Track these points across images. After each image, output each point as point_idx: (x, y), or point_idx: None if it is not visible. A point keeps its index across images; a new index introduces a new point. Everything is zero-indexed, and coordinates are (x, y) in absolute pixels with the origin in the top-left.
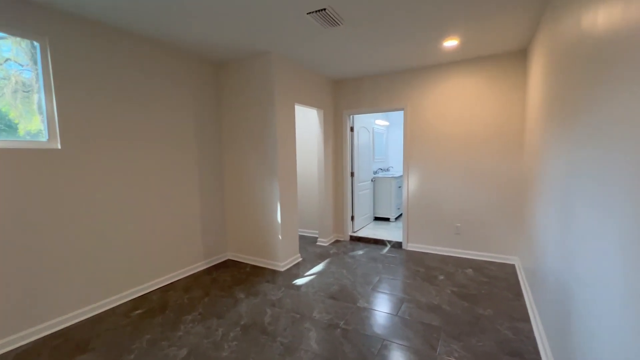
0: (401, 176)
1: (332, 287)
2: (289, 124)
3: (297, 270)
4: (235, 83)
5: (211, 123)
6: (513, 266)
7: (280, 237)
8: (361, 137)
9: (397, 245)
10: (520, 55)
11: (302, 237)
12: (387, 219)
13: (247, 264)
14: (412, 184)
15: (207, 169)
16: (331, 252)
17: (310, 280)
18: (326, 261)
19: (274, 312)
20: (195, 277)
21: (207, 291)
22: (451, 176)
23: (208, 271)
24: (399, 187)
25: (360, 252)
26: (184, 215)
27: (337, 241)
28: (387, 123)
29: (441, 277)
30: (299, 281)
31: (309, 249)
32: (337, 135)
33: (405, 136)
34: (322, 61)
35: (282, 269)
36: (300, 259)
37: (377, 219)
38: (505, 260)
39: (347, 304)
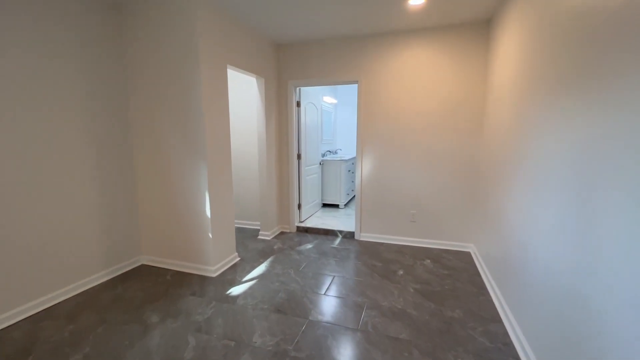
0: (351, 159)
1: (278, 295)
2: (219, 91)
3: (233, 274)
4: (147, 35)
5: (113, 87)
6: (469, 254)
7: (210, 235)
8: (309, 115)
9: (350, 236)
10: (483, 26)
11: (240, 231)
12: (336, 206)
13: (167, 271)
14: (366, 167)
15: (108, 148)
16: (275, 247)
17: (250, 288)
18: (270, 260)
19: (200, 341)
20: (90, 295)
21: (103, 316)
22: (408, 159)
23: (111, 284)
24: (349, 171)
25: (309, 246)
26: (69, 212)
27: (282, 233)
28: (335, 101)
29: (400, 272)
30: (236, 290)
31: (250, 244)
32: (281, 111)
33: (360, 113)
34: (262, 16)
35: (214, 274)
36: (238, 259)
37: (325, 205)
38: (461, 247)
39: (296, 319)
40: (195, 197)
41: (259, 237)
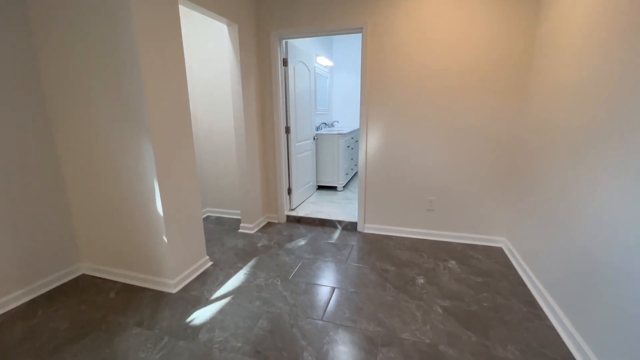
0: (351, 133)
1: (258, 323)
2: (166, 36)
3: (200, 288)
4: None
5: (8, 39)
6: (501, 251)
7: (165, 238)
8: (299, 78)
9: (351, 227)
10: None
11: (218, 222)
12: (333, 188)
13: (114, 284)
14: (372, 143)
15: (10, 125)
16: (260, 244)
17: (220, 312)
18: (251, 263)
19: None
20: None
21: None
22: (426, 132)
23: (31, 307)
24: (348, 147)
25: (302, 242)
26: None
27: (269, 225)
28: (331, 63)
29: (421, 281)
30: (200, 315)
31: (228, 241)
32: (263, 71)
33: (365, 72)
34: None
35: (174, 290)
36: (210, 264)
37: (321, 187)
38: (489, 242)
39: None
40: (139, 188)
41: (241, 230)
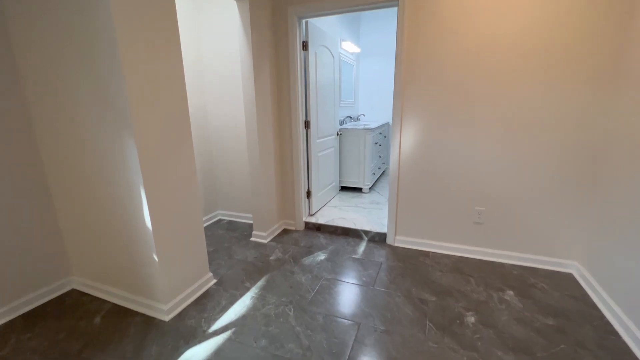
0: (379, 128)
1: None
2: (156, 27)
3: (197, 316)
4: None
5: None
6: (571, 278)
7: (155, 257)
8: (321, 65)
9: (380, 239)
10: None
11: (230, 227)
12: (358, 190)
13: (103, 304)
14: (408, 139)
15: None
16: (272, 257)
17: (217, 354)
18: (260, 284)
19: None
20: None
21: None
22: (476, 129)
23: (8, 329)
24: (376, 143)
25: (322, 257)
26: None
27: (285, 232)
28: (358, 50)
29: (471, 319)
30: (191, 358)
31: (237, 252)
32: (278, 56)
33: (400, 56)
34: None
35: (167, 317)
36: (213, 283)
37: (344, 189)
38: (556, 266)
39: None
40: (125, 198)
41: (253, 238)
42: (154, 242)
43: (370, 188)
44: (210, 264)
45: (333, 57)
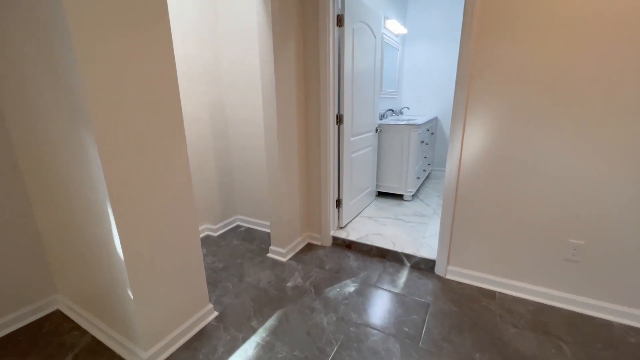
0: (427, 123)
1: None
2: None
3: None
4: None
5: None
6: None
7: (130, 292)
8: (360, 46)
9: (426, 267)
10: None
11: (248, 235)
12: (398, 197)
13: (82, 335)
14: (472, 142)
15: None
16: (290, 284)
17: None
18: (270, 324)
19: None
20: None
21: None
22: (577, 132)
23: None
24: (422, 142)
25: (351, 289)
26: None
27: (308, 247)
28: (404, 30)
29: None
30: None
31: (249, 272)
32: (306, 33)
33: (469, 27)
34: None
35: None
36: (213, 317)
37: (382, 194)
38: None
39: None
40: (93, 214)
41: (270, 254)
42: (127, 276)
43: (413, 195)
44: (215, 287)
45: (375, 37)
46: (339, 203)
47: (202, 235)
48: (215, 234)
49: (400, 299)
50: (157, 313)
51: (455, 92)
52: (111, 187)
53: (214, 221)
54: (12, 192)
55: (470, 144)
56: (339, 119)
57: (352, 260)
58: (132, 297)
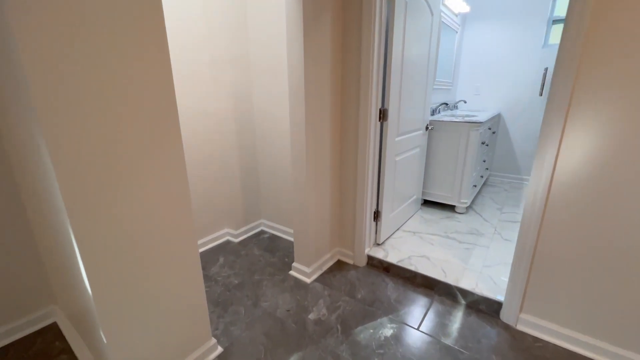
0: (490, 120)
1: None
2: None
3: None
4: None
5: None
6: None
7: (103, 334)
8: (413, 24)
9: (489, 309)
10: None
11: (271, 244)
12: (449, 207)
13: (74, 359)
14: (574, 154)
15: None
16: (311, 317)
17: None
18: None
19: None
20: None
21: None
22: None
23: None
24: (482, 143)
25: (388, 332)
26: None
27: (338, 266)
28: (466, 8)
29: None
30: None
31: (266, 293)
32: (346, 7)
33: None
34: None
35: None
36: (216, 356)
37: (428, 203)
38: None
39: None
40: (56, 231)
41: (292, 272)
42: (97, 316)
43: (468, 207)
44: (225, 311)
45: (432, 14)
46: (377, 215)
47: (221, 240)
48: (236, 240)
49: (454, 356)
50: (141, 355)
51: (553, 82)
52: (71, 203)
53: (236, 225)
54: (4, 191)
55: (571, 155)
56: (383, 115)
57: (390, 288)
58: (105, 341)
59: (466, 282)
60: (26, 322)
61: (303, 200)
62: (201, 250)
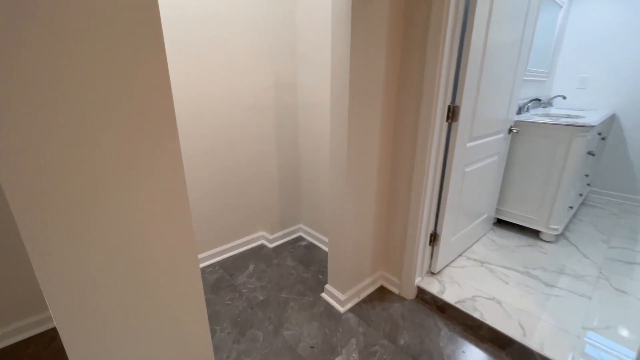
0: (602, 123)
1: None
2: None
3: None
4: None
5: None
6: None
7: None
8: (501, 6)
9: None
10: None
11: (307, 253)
12: (533, 232)
13: None
14: None
15: None
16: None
17: None
18: None
19: None
20: None
21: None
22: None
23: None
24: (588, 152)
25: None
26: None
27: (380, 294)
28: None
29: None
30: None
31: (290, 319)
32: None
33: None
34: None
35: None
36: None
37: (502, 224)
38: None
39: None
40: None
41: (324, 294)
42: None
43: (560, 235)
44: (242, 335)
45: None
46: (434, 238)
47: (256, 244)
48: (271, 245)
49: None
50: None
51: None
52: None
53: (271, 229)
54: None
55: None
56: (452, 113)
57: (443, 337)
58: None
59: (556, 350)
60: (29, 324)
61: (340, 209)
62: (233, 253)
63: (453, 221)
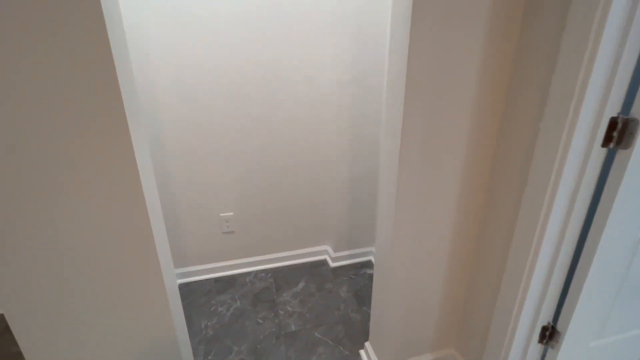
0: None
1: None
2: None
3: None
4: None
5: None
6: None
7: None
8: None
9: None
10: None
11: (370, 283)
12: None
13: None
14: None
15: None
16: None
17: None
18: None
19: None
20: None
21: None
22: None
23: None
24: None
25: None
26: None
27: None
28: None
29: None
30: None
31: None
32: None
33: None
34: None
35: None
36: None
37: None
38: None
39: None
40: None
41: (363, 352)
42: None
43: None
44: None
45: None
46: (550, 335)
47: (318, 257)
48: (332, 265)
49: None
50: None
51: None
52: None
53: (336, 246)
54: None
55: None
56: (622, 132)
57: None
58: None
59: None
60: None
61: (386, 258)
62: (290, 263)
63: (597, 313)
